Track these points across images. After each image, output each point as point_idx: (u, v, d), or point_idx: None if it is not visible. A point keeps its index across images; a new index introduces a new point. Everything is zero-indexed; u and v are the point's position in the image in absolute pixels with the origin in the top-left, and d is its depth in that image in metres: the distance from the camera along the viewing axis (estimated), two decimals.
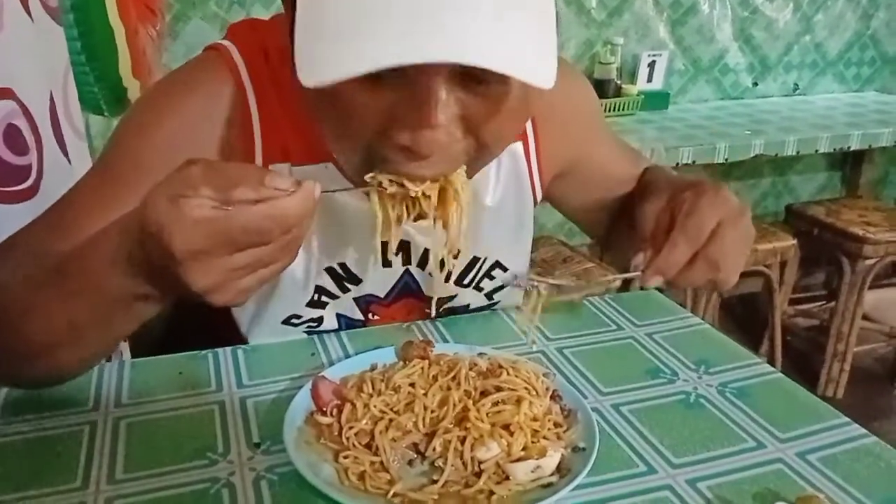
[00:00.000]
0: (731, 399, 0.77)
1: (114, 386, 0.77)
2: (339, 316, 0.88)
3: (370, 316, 0.90)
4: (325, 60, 0.52)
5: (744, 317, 2.76)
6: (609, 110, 2.47)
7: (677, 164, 2.19)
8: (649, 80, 2.65)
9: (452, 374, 0.72)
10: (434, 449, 0.64)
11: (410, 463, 0.65)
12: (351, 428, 0.66)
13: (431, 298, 0.86)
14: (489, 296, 0.93)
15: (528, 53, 0.53)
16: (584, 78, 0.98)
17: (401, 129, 0.58)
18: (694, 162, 2.23)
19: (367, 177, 0.63)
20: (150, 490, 0.62)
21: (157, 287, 0.58)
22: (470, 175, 0.66)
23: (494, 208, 0.86)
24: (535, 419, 0.67)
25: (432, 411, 0.68)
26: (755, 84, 2.89)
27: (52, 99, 1.12)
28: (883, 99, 2.96)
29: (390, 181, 0.63)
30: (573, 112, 0.90)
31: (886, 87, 3.08)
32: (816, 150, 2.39)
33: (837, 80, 3.02)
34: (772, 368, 0.83)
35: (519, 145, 0.85)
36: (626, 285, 0.85)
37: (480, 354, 0.78)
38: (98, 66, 1.45)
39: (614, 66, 2.52)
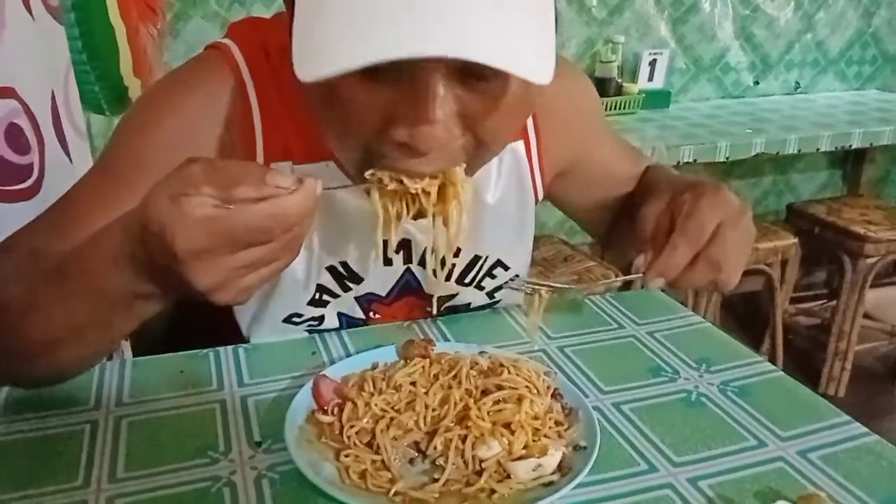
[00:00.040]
0: (732, 398, 0.77)
1: (115, 385, 0.77)
2: (340, 315, 0.88)
3: (371, 315, 0.90)
4: (321, 55, 0.52)
5: (745, 315, 2.76)
6: (610, 109, 2.47)
7: (678, 162, 2.19)
8: (650, 78, 2.64)
9: (453, 373, 0.72)
10: (435, 447, 0.64)
11: (411, 461, 0.65)
12: (352, 427, 0.66)
13: (432, 297, 0.86)
14: (490, 294, 0.93)
15: (526, 49, 0.53)
16: (585, 76, 0.98)
17: (399, 126, 0.58)
18: (695, 160, 2.23)
19: (367, 174, 0.63)
20: (152, 489, 0.62)
21: (159, 286, 0.58)
22: (470, 173, 0.66)
23: (496, 207, 0.86)
24: (536, 418, 0.67)
25: (433, 410, 0.68)
26: (756, 82, 2.89)
27: (53, 98, 1.12)
28: (884, 97, 2.96)
29: (390, 178, 0.63)
30: (574, 111, 0.90)
31: (888, 86, 3.08)
32: (818, 149, 2.39)
33: (839, 79, 3.02)
34: (773, 367, 0.83)
35: (520, 144, 0.85)
36: (626, 285, 0.85)
37: (481, 353, 0.77)
38: (99, 65, 1.45)
39: (615, 64, 2.51)
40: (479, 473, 0.62)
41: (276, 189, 0.52)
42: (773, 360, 2.10)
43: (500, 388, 0.69)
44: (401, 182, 0.62)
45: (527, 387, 0.70)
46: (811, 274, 3.06)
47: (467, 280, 0.90)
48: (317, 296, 0.85)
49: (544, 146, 0.87)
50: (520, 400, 0.68)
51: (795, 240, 2.33)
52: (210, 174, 0.51)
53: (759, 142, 2.29)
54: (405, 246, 0.84)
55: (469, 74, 0.57)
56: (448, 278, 0.88)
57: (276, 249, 0.54)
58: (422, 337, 0.83)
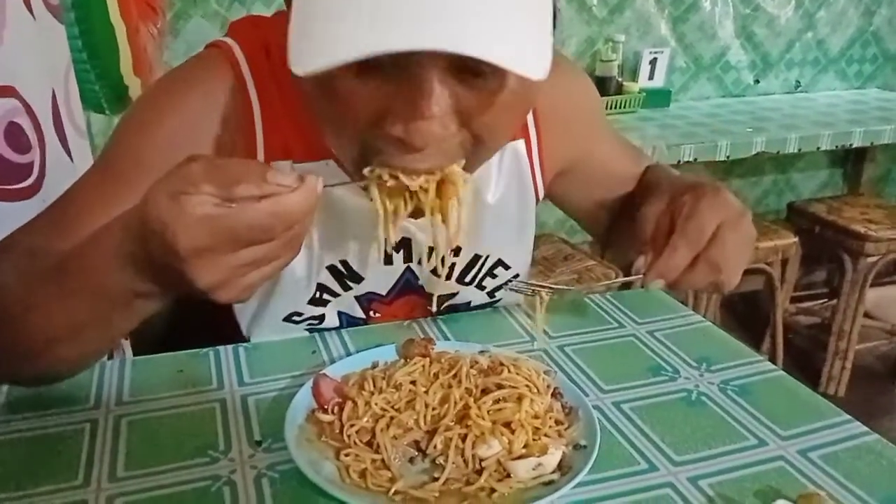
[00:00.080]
0: (732, 397, 0.77)
1: (115, 384, 0.77)
2: (340, 314, 0.88)
3: (371, 314, 0.90)
4: (315, 48, 0.52)
5: (745, 314, 2.76)
6: (610, 108, 2.47)
7: (679, 161, 2.19)
8: (651, 77, 2.64)
9: (453, 372, 0.72)
10: (435, 447, 0.64)
11: (412, 461, 0.65)
12: (352, 426, 0.66)
13: (433, 295, 0.86)
14: (491, 293, 0.93)
15: (522, 46, 0.53)
16: (585, 75, 0.98)
17: (395, 121, 0.58)
18: (695, 159, 2.23)
19: (366, 170, 0.63)
20: (152, 488, 0.62)
21: (159, 284, 0.58)
22: (470, 171, 0.66)
23: (496, 206, 0.86)
24: (536, 417, 0.67)
25: (433, 409, 0.68)
26: (757, 81, 2.88)
27: (54, 96, 1.12)
28: (885, 96, 2.96)
29: (389, 174, 0.62)
30: (575, 109, 0.90)
31: (888, 85, 3.08)
32: (818, 148, 2.39)
33: (839, 78, 3.01)
34: (773, 366, 0.83)
35: (521, 143, 0.85)
36: (626, 285, 0.85)
37: (481, 352, 0.77)
38: (99, 64, 1.44)
39: (616, 63, 2.51)
40: (480, 472, 0.62)
41: (278, 187, 0.52)
42: (773, 360, 2.10)
43: (500, 387, 0.69)
44: (398, 179, 0.62)
45: (527, 386, 0.70)
46: (811, 273, 3.06)
47: (468, 279, 0.90)
48: (317, 295, 0.85)
49: (545, 145, 0.87)
50: (520, 399, 0.68)
51: (796, 239, 2.33)
52: (210, 172, 0.51)
53: (760, 141, 2.29)
54: (405, 245, 0.84)
55: (465, 70, 0.57)
56: (448, 277, 0.88)
57: (278, 247, 0.54)
58: (422, 336, 0.83)
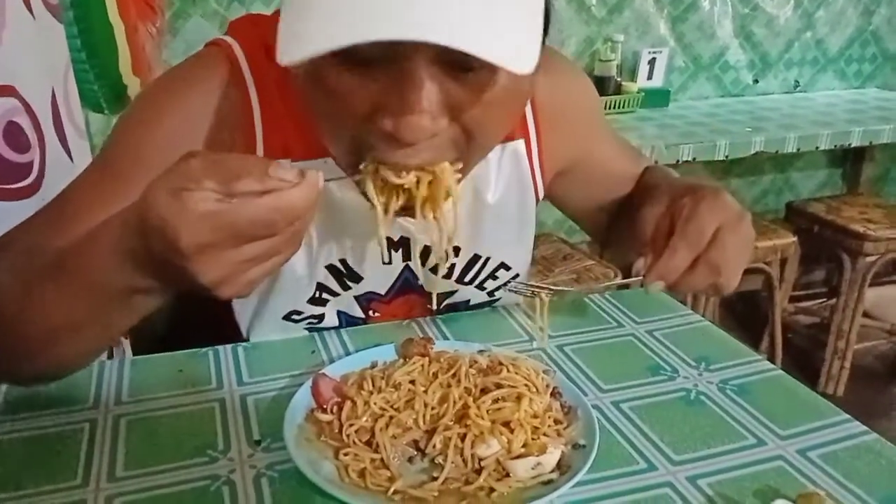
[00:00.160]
0: (731, 396, 0.77)
1: (114, 384, 0.77)
2: (339, 313, 0.88)
3: (371, 313, 0.90)
4: (299, 39, 0.52)
5: (744, 314, 2.76)
6: (609, 107, 2.47)
7: (678, 161, 2.19)
8: (650, 77, 2.64)
9: (452, 372, 0.72)
10: (434, 446, 0.64)
11: (411, 460, 0.65)
12: (351, 425, 0.66)
13: (432, 294, 0.85)
14: (490, 293, 0.93)
15: (507, 39, 0.52)
16: (584, 75, 0.98)
17: (385, 116, 0.58)
18: (694, 159, 2.23)
19: (362, 166, 0.63)
20: (151, 487, 0.62)
21: (159, 280, 0.57)
22: (465, 170, 0.66)
23: (496, 206, 0.86)
24: (535, 416, 0.67)
25: (432, 408, 0.68)
26: (756, 81, 2.88)
27: (53, 96, 1.12)
28: (884, 96, 2.96)
29: (380, 169, 0.62)
30: (575, 109, 0.90)
31: (887, 84, 3.08)
32: (817, 147, 2.39)
33: (838, 77, 3.01)
34: (772, 365, 0.83)
35: (521, 143, 0.85)
36: (626, 286, 0.85)
37: (481, 351, 0.77)
38: (98, 64, 1.44)
39: (614, 63, 2.51)
40: (479, 472, 0.62)
41: (279, 182, 0.51)
42: (772, 359, 2.10)
43: (499, 386, 0.69)
44: (390, 175, 0.62)
45: (526, 385, 0.70)
46: (810, 272, 3.06)
47: (467, 279, 0.90)
48: (317, 294, 0.85)
49: (545, 145, 0.87)
50: (519, 398, 0.68)
51: (795, 238, 2.33)
52: (211, 168, 0.51)
53: (759, 140, 2.29)
54: (404, 244, 0.84)
55: (456, 66, 0.57)
56: (448, 277, 0.88)
57: (280, 243, 0.54)
58: (421, 336, 0.83)
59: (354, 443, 0.65)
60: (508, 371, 0.71)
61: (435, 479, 0.62)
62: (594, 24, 2.57)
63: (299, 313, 0.86)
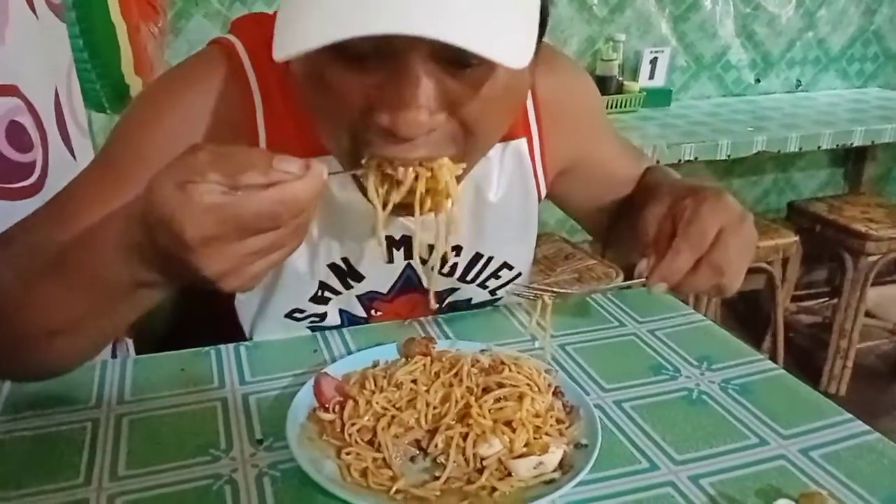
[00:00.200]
0: (733, 396, 0.77)
1: (116, 383, 0.77)
2: (341, 312, 0.88)
3: (373, 312, 0.90)
4: (295, 34, 0.52)
5: (746, 314, 2.76)
6: (611, 107, 2.47)
7: (679, 160, 2.18)
8: (651, 76, 2.64)
9: (454, 371, 0.72)
10: (436, 445, 0.64)
11: (413, 459, 0.65)
12: (353, 424, 0.66)
13: (430, 291, 0.85)
14: (493, 292, 0.93)
15: (502, 33, 0.52)
16: (586, 74, 0.98)
17: (382, 111, 0.58)
18: (696, 159, 2.22)
19: (363, 160, 0.63)
20: (153, 487, 0.62)
21: (164, 273, 0.57)
22: (467, 168, 0.65)
23: (498, 205, 0.85)
24: (537, 415, 0.67)
25: (434, 408, 0.68)
26: (757, 80, 2.88)
27: (56, 95, 1.12)
28: (886, 95, 2.95)
29: (379, 164, 0.62)
30: (577, 108, 0.90)
31: (889, 84, 3.08)
32: (819, 147, 2.39)
33: (840, 77, 3.01)
34: (774, 365, 0.83)
35: (523, 142, 0.85)
36: (628, 286, 0.85)
37: (482, 351, 0.77)
38: (100, 63, 1.44)
39: (616, 62, 2.51)
40: (481, 471, 0.62)
41: (284, 174, 0.51)
42: (774, 359, 2.10)
43: (501, 385, 0.69)
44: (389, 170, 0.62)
45: (528, 384, 0.70)
46: (812, 272, 3.06)
47: (469, 277, 0.90)
48: (319, 293, 0.85)
49: (547, 144, 0.87)
50: (521, 398, 0.68)
51: (796, 238, 2.33)
52: (216, 161, 0.51)
53: (761, 140, 2.29)
54: (406, 243, 0.84)
55: (453, 61, 0.57)
56: (451, 275, 0.88)
57: (284, 235, 0.54)
58: (423, 335, 0.83)
59: (356, 442, 0.65)
60: (510, 370, 0.71)
61: (437, 478, 0.62)
62: (596, 24, 2.57)
63: (301, 311, 0.86)
